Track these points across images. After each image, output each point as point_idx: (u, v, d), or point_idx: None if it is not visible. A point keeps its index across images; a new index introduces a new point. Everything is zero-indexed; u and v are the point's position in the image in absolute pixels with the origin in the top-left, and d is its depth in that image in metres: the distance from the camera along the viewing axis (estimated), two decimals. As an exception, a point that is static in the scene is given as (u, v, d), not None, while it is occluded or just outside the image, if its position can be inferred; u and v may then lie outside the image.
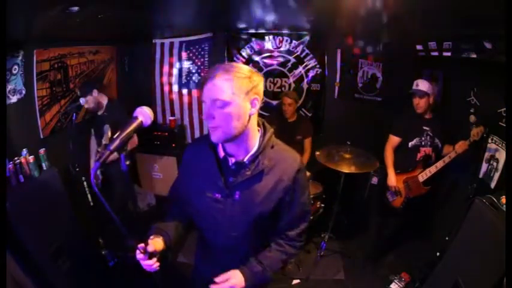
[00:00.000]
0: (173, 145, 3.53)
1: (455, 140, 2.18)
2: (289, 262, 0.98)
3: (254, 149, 1.03)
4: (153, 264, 1.02)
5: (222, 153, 1.07)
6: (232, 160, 1.05)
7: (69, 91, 2.55)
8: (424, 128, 2.40)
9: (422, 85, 2.33)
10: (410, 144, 2.44)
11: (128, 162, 0.90)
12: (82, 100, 2.40)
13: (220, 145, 1.07)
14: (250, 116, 1.00)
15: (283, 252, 1.15)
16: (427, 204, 2.57)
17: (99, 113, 2.54)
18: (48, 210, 1.97)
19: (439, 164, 2.27)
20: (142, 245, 1.01)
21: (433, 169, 2.32)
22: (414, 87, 2.36)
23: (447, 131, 2.40)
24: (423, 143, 2.41)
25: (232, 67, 0.97)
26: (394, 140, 2.52)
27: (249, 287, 1.06)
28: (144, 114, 0.94)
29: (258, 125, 1.07)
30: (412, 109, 2.41)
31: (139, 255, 1.01)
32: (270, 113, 3.52)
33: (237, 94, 0.95)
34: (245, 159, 1.03)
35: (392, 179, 2.48)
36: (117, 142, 0.86)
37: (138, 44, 3.48)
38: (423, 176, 2.36)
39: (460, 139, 2.11)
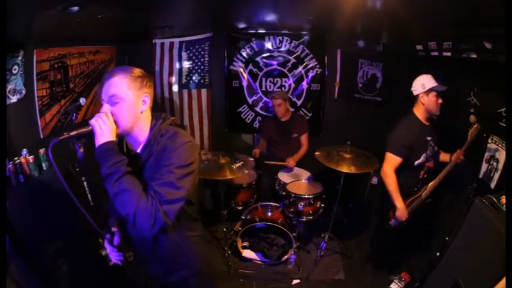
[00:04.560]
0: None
1: (454, 142, 2.14)
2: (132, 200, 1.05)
3: (145, 140, 1.19)
4: (119, 256, 1.29)
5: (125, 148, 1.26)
6: (131, 153, 1.22)
7: (69, 91, 2.54)
8: (427, 138, 2.14)
9: (440, 82, 2.07)
10: (416, 162, 2.13)
11: (81, 150, 1.10)
12: (82, 100, 2.40)
13: (124, 142, 1.26)
14: (141, 113, 1.17)
15: (137, 191, 1.06)
16: (428, 211, 2.48)
17: None
18: (48, 210, 1.97)
19: (441, 176, 2.10)
20: (108, 235, 1.28)
21: (436, 182, 2.12)
22: (435, 84, 2.07)
23: (445, 135, 2.28)
24: (429, 158, 2.15)
25: (128, 68, 1.16)
26: (396, 161, 2.11)
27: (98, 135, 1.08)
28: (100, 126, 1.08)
29: (152, 118, 1.23)
30: (413, 118, 2.15)
31: (108, 246, 1.30)
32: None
33: (130, 91, 1.13)
34: (138, 150, 1.20)
35: (404, 213, 2.12)
36: (75, 132, 1.07)
37: (138, 44, 3.48)
38: (427, 193, 2.15)
39: (461, 140, 2.08)
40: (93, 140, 1.09)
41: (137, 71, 1.17)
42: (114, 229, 1.32)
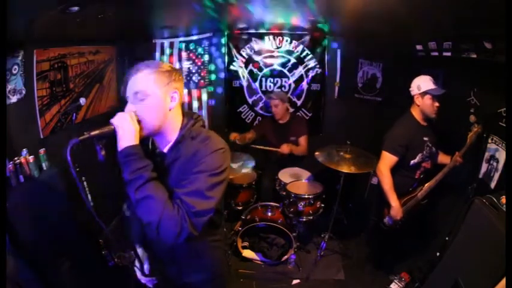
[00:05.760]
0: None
1: (454, 143, 2.14)
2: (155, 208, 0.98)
3: (173, 140, 1.11)
4: (152, 280, 1.32)
5: (150, 146, 1.19)
6: (156, 151, 1.16)
7: (69, 91, 2.54)
8: (424, 139, 2.16)
9: (439, 85, 2.05)
10: (412, 162, 2.16)
11: (103, 153, 1.00)
12: (82, 100, 2.41)
13: (150, 139, 1.17)
14: (170, 110, 1.08)
15: (162, 199, 1.00)
16: (428, 211, 2.49)
17: None
18: (48, 210, 1.97)
19: (438, 177, 2.11)
20: (137, 264, 1.28)
21: (432, 183, 2.13)
22: (432, 87, 2.05)
23: (444, 136, 2.28)
24: (425, 158, 2.17)
25: (154, 63, 1.08)
26: (392, 160, 2.14)
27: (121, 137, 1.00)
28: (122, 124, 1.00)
29: (184, 117, 1.14)
30: (410, 117, 2.18)
31: (138, 275, 1.31)
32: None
33: (157, 86, 1.04)
34: (165, 150, 1.12)
35: (398, 211, 2.14)
36: (97, 132, 0.98)
37: (138, 44, 3.48)
38: (422, 193, 2.18)
39: (461, 142, 2.08)
40: (112, 140, 1.01)
41: (165, 65, 1.08)
42: (139, 250, 1.29)
